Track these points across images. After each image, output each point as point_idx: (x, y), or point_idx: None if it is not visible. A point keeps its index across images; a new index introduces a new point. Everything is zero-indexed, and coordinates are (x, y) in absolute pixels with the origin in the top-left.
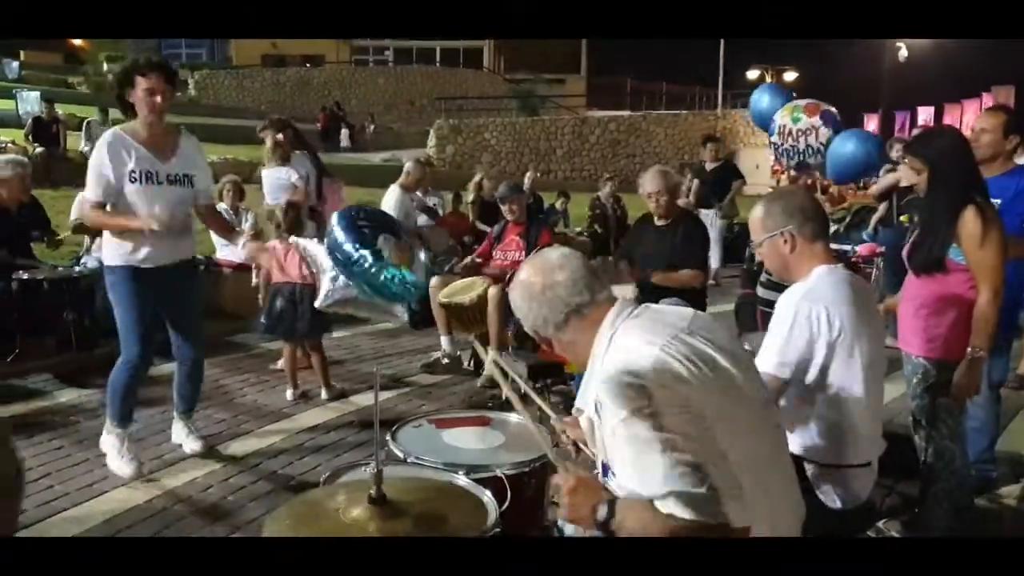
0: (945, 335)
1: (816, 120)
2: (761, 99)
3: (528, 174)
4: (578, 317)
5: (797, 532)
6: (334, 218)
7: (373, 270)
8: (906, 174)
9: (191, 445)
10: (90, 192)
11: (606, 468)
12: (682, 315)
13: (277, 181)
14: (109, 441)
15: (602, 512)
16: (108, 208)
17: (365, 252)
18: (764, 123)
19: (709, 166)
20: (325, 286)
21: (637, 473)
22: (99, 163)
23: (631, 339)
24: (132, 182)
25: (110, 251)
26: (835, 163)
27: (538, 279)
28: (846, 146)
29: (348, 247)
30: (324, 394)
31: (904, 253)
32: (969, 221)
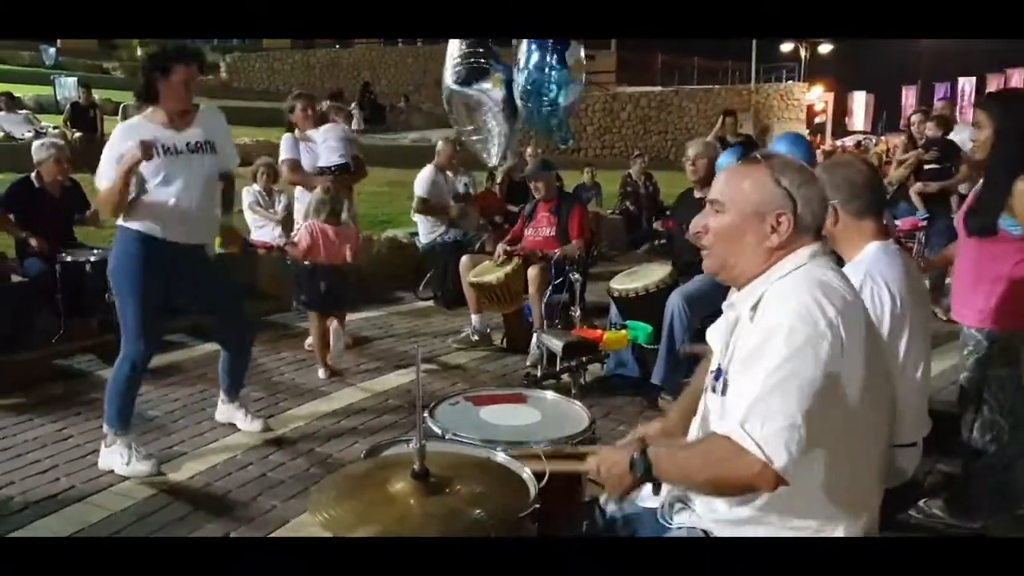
0: (997, 306)
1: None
2: None
3: (527, 150)
4: (806, 227)
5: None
6: None
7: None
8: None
9: (251, 426)
10: (104, 180)
11: (719, 373)
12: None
13: (343, 132)
14: (115, 451)
15: (638, 465)
16: (132, 197)
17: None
18: None
19: (731, 141)
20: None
21: (761, 386)
22: (113, 153)
23: (832, 278)
24: (147, 159)
25: (127, 216)
26: None
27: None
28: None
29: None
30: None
31: (959, 216)
32: (1020, 192)
